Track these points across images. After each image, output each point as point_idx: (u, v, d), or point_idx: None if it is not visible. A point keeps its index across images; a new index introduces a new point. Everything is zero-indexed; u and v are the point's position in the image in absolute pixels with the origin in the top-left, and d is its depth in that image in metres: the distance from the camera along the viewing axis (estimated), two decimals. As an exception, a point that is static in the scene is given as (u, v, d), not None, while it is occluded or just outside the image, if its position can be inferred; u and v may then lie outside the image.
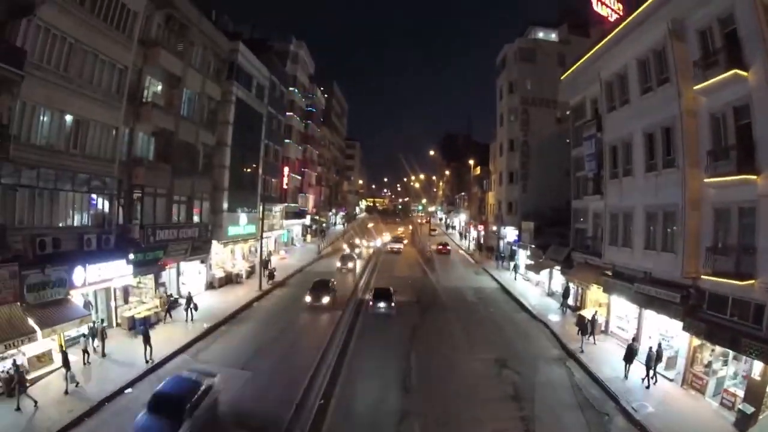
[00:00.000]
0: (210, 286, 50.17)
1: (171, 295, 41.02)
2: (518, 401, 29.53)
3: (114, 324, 33.78)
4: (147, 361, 30.26)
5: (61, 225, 28.44)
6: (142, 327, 32.13)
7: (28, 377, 24.31)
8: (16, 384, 23.03)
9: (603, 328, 39.95)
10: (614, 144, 37.00)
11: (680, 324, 28.39)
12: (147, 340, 30.77)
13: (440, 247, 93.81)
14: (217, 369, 29.92)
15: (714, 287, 25.94)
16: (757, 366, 22.93)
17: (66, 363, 25.46)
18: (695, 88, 26.95)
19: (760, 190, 22.58)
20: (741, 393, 24.50)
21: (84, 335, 30.07)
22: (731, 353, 25.36)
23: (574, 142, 48.69)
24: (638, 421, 25.92)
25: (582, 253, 45.34)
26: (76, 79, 28.51)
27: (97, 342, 30.86)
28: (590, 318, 38.39)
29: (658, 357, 31.77)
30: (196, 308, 38.52)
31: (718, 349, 26.42)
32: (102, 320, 32.14)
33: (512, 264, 69.51)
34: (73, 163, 28.66)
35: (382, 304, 46.05)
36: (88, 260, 29.68)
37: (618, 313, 38.36)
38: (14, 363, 23.81)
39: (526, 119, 71.55)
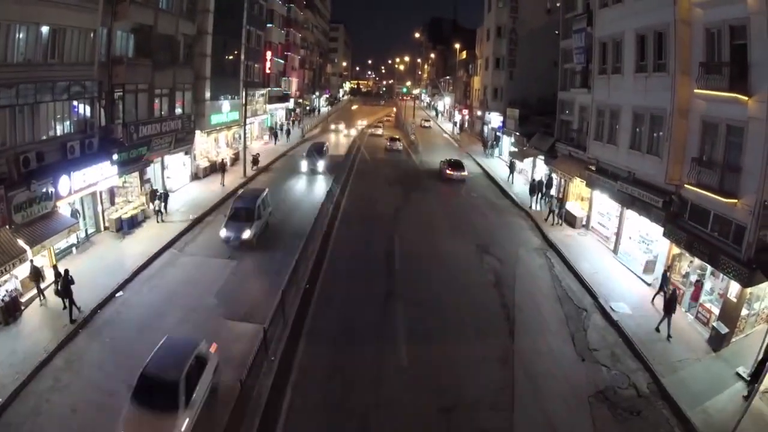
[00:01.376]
0: (195, 176, 50.14)
1: (156, 190, 41.01)
2: (499, 288, 30.59)
3: (102, 227, 33.88)
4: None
5: (44, 138, 27.58)
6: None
7: (22, 299, 24.25)
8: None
9: (584, 223, 40.63)
10: (604, 40, 36.06)
11: (661, 229, 28.74)
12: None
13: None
14: (203, 260, 31.85)
15: (697, 199, 25.98)
16: (734, 287, 23.23)
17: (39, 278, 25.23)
18: (692, -1, 26.10)
19: (750, 112, 22.17)
20: (716, 310, 24.91)
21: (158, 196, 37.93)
22: (709, 268, 25.63)
23: (564, 33, 47.36)
24: (615, 321, 26.74)
25: (566, 145, 45.26)
26: (51, -12, 26.90)
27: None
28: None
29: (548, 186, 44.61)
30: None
31: (697, 261, 26.73)
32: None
33: (495, 150, 69.63)
34: (51, 73, 27.54)
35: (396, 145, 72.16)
36: (72, 168, 29.15)
37: (600, 209, 38.74)
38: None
39: (516, 7, 69.14)
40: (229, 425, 18.33)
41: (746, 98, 22.27)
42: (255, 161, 57.94)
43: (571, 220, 41.45)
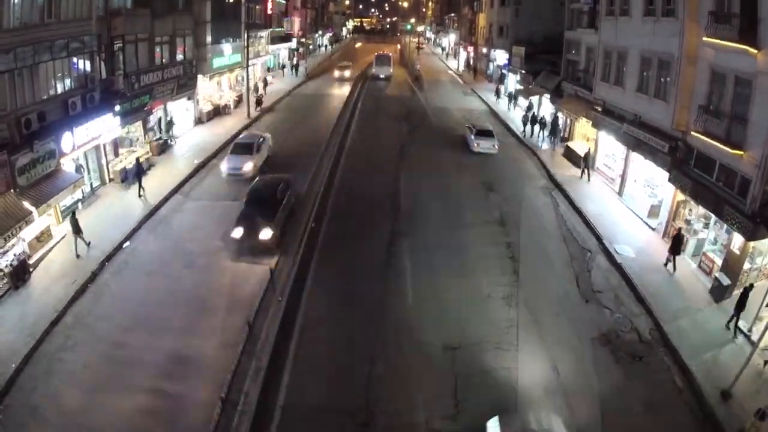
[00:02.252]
0: (198, 121, 49.95)
1: (160, 138, 40.84)
2: (504, 226, 30.93)
3: (107, 180, 33.82)
4: None
5: (44, 97, 26.97)
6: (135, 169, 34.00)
7: (30, 261, 24.29)
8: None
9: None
10: (612, -20, 35.30)
11: (666, 174, 28.64)
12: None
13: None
14: (209, 204, 32.59)
15: (703, 147, 25.66)
16: (737, 239, 23.10)
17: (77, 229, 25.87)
18: (699, -55, 25.20)
19: (759, 66, 21.65)
20: (719, 261, 24.90)
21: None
22: (713, 218, 25.52)
23: (570, -28, 46.43)
24: (618, 264, 26.99)
25: (573, 85, 44.88)
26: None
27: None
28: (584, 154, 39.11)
29: (553, 127, 46.78)
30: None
31: (701, 209, 26.68)
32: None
33: (500, 87, 69.00)
34: (49, 33, 26.68)
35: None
36: (75, 123, 28.75)
37: (605, 150, 38.66)
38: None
39: (523, -58, 67.24)
40: (238, 366, 18.82)
41: (756, 51, 21.71)
42: (259, 102, 57.93)
43: (576, 160, 41.31)
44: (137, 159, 34.37)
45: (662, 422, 17.95)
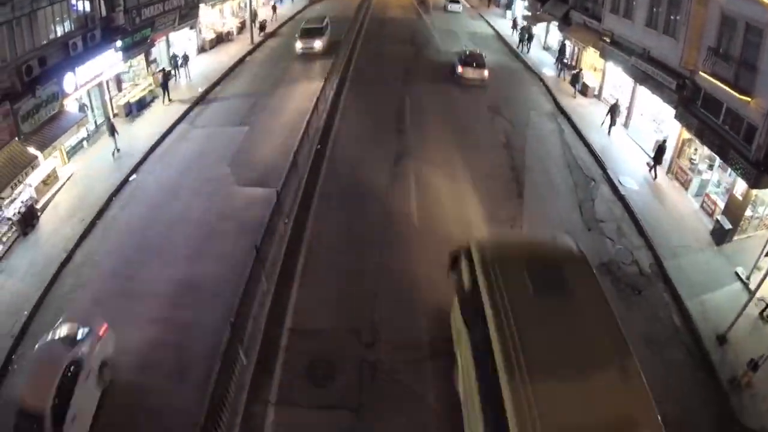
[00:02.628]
0: (201, 49, 49.42)
1: (163, 69, 40.44)
2: (509, 150, 31.07)
3: (111, 116, 33.32)
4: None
5: (44, 42, 26.24)
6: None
7: (38, 205, 24.35)
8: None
9: (596, 93, 40.43)
10: None
11: (672, 111, 28.41)
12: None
13: None
14: (214, 130, 32.55)
15: (711, 88, 25.24)
16: (741, 184, 22.99)
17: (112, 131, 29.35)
18: None
19: None
20: (721, 204, 24.88)
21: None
22: (717, 160, 25.35)
23: None
24: (622, 196, 27.24)
25: (581, 14, 43.98)
26: None
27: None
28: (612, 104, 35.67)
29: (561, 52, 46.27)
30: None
31: (706, 150, 26.45)
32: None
33: (509, 13, 68.31)
34: None
35: None
36: (76, 63, 28.30)
37: (613, 81, 38.33)
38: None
39: None
40: (246, 289, 19.14)
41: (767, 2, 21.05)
42: (262, 27, 57.47)
43: (583, 89, 41.12)
44: (163, 70, 38.22)
45: (660, 358, 18.32)
